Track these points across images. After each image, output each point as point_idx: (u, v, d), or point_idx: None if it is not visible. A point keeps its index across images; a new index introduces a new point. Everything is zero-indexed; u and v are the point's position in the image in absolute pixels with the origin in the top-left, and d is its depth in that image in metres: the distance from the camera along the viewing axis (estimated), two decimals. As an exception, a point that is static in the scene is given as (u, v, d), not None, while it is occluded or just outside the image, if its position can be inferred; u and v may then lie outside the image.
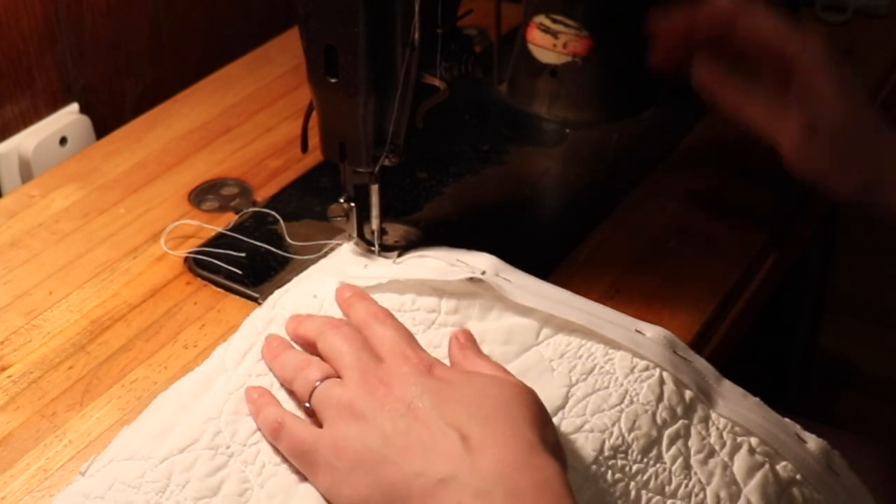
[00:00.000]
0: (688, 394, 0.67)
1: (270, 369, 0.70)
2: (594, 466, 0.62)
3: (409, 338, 0.68)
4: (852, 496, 0.67)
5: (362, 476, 0.60)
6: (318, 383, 0.65)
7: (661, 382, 0.67)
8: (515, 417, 0.60)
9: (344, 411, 0.63)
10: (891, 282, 1.97)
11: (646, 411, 0.66)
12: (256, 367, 0.69)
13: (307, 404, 0.65)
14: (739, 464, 0.65)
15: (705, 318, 0.80)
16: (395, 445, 0.59)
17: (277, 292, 0.76)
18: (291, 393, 0.68)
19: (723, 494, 0.64)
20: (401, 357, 0.66)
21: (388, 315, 0.71)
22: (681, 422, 0.66)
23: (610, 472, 0.63)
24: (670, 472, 0.64)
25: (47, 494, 0.66)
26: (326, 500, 0.62)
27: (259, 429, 0.66)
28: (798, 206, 0.93)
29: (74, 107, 1.04)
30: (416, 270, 0.73)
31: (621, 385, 0.67)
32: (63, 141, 1.02)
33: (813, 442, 0.67)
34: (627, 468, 0.63)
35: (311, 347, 0.70)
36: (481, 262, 0.75)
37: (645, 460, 0.64)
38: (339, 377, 0.66)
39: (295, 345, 0.71)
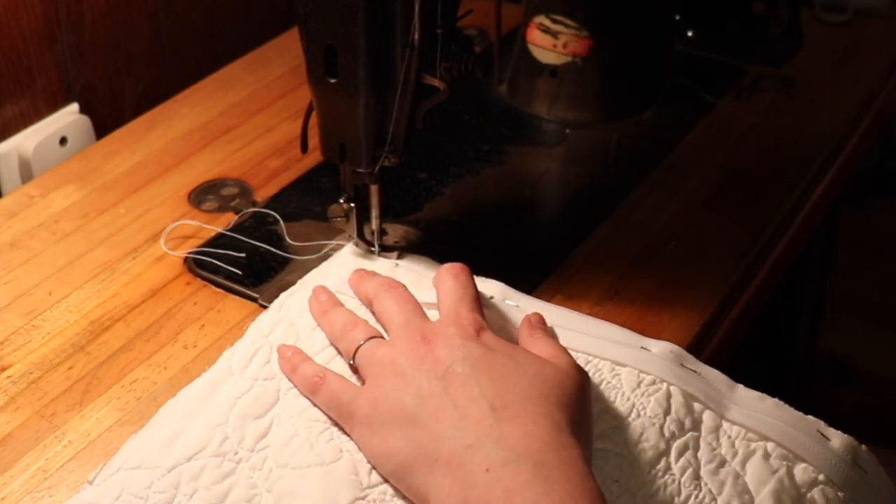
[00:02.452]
0: (696, 406, 0.67)
1: (318, 324, 0.72)
2: (600, 478, 0.62)
3: (470, 298, 0.69)
4: (880, 492, 0.67)
5: (394, 431, 0.61)
6: (362, 342, 0.67)
7: (668, 396, 0.67)
8: (548, 397, 0.60)
9: (386, 368, 0.64)
10: (891, 282, 1.96)
11: (653, 424, 0.65)
12: (263, 371, 0.69)
13: (351, 362, 0.68)
14: (752, 471, 0.64)
15: (705, 319, 0.80)
16: (428, 407, 0.61)
17: (283, 296, 0.76)
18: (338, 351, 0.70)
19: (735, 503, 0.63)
20: (453, 317, 0.67)
21: (461, 271, 0.72)
22: (689, 434, 0.65)
23: (616, 485, 0.63)
24: (679, 483, 0.63)
25: (47, 495, 0.66)
26: (360, 448, 0.63)
27: (294, 384, 0.68)
28: (798, 206, 0.93)
29: (74, 107, 1.04)
30: (423, 293, 0.73)
31: (628, 399, 0.67)
32: (63, 141, 1.02)
33: (837, 439, 0.66)
34: (634, 480, 0.63)
35: (367, 304, 0.73)
36: (489, 289, 0.75)
37: (653, 472, 0.63)
38: (382, 338, 0.68)
39: (339, 301, 0.74)
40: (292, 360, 0.69)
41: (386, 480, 0.62)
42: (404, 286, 0.72)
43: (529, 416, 0.59)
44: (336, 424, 0.66)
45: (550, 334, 0.70)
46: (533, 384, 0.61)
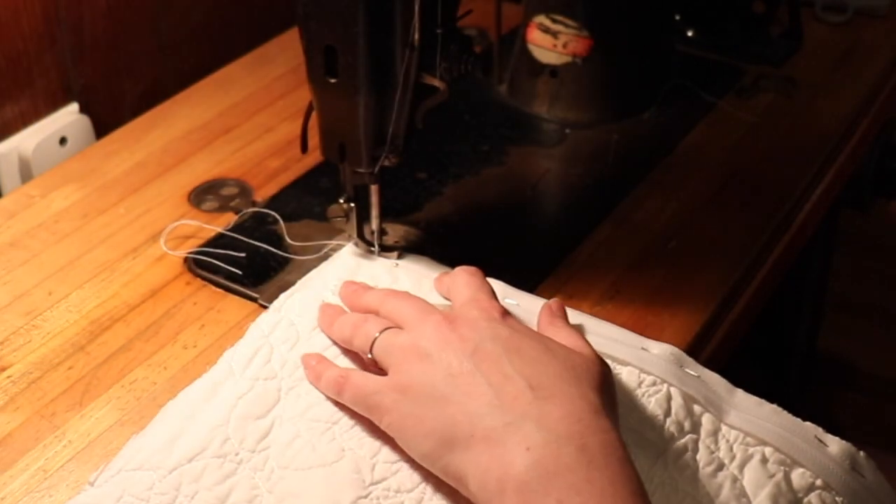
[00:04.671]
0: (696, 408, 0.67)
1: (328, 336, 0.71)
2: None
3: (488, 290, 0.68)
4: (880, 498, 0.67)
5: (426, 411, 0.60)
6: (378, 334, 0.65)
7: (669, 398, 0.67)
8: (581, 380, 0.59)
9: (409, 353, 0.63)
10: (891, 282, 1.97)
11: (653, 424, 0.65)
12: (264, 371, 0.69)
13: (369, 355, 0.66)
14: (750, 476, 0.64)
15: (705, 318, 0.80)
16: (460, 385, 0.59)
17: (282, 296, 0.76)
18: (350, 353, 0.69)
19: None
20: (473, 302, 0.66)
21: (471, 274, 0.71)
22: (689, 436, 0.65)
23: None
24: (678, 484, 0.63)
25: (47, 495, 0.66)
26: (393, 436, 0.62)
27: (322, 391, 0.67)
28: (798, 206, 0.93)
29: (74, 107, 1.04)
30: (423, 293, 0.73)
31: (629, 398, 0.67)
32: (63, 141, 1.02)
33: (835, 445, 0.66)
34: None
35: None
36: None
37: (651, 471, 0.63)
38: (398, 328, 0.66)
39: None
40: (317, 369, 0.68)
41: (426, 480, 0.62)
42: (408, 292, 0.71)
43: (567, 397, 0.58)
44: (338, 424, 0.65)
45: (570, 323, 0.69)
46: (565, 367, 0.60)
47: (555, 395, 0.58)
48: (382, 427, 0.63)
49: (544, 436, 0.56)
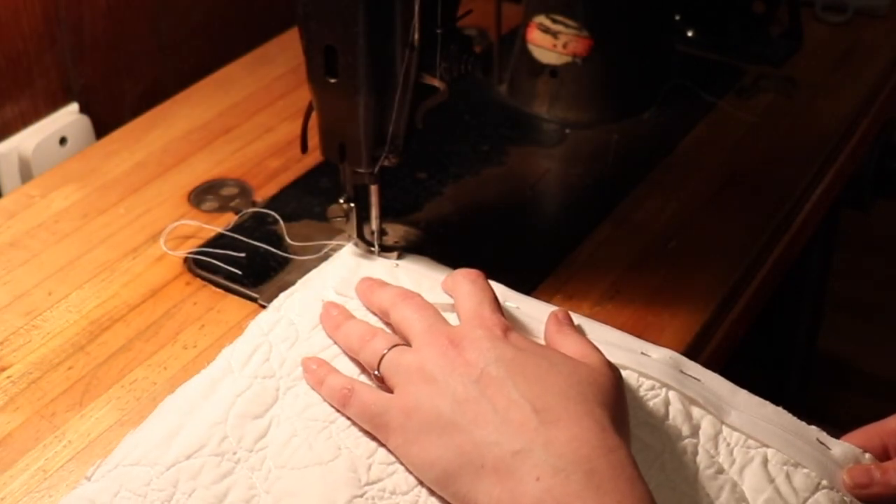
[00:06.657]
0: (695, 412, 0.66)
1: (332, 339, 0.71)
2: None
3: (490, 300, 0.68)
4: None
5: (433, 439, 0.60)
6: (385, 351, 0.66)
7: (667, 403, 0.67)
8: (587, 396, 0.60)
9: (415, 375, 0.63)
10: (891, 282, 1.97)
11: (652, 430, 0.65)
12: (262, 369, 0.69)
13: (376, 372, 0.66)
14: (750, 481, 0.64)
15: (706, 318, 0.79)
16: (467, 412, 0.60)
17: (282, 295, 0.76)
18: (356, 362, 0.69)
19: None
20: (477, 319, 0.66)
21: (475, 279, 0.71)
22: (688, 440, 0.65)
23: None
24: (677, 488, 0.63)
25: (47, 495, 0.66)
26: (396, 457, 0.63)
27: (323, 397, 0.67)
28: (798, 206, 0.93)
29: (74, 107, 1.04)
30: (424, 293, 0.73)
31: (628, 403, 0.66)
32: (63, 141, 1.02)
33: (837, 447, 0.66)
34: None
35: (382, 315, 0.72)
36: None
37: (649, 474, 0.63)
38: (405, 345, 0.66)
39: (353, 313, 0.73)
40: (318, 373, 0.68)
41: (421, 484, 0.62)
42: (420, 295, 0.71)
43: (573, 418, 0.58)
44: (335, 423, 0.66)
45: (578, 331, 0.69)
46: (570, 384, 0.60)
47: (560, 418, 0.58)
48: (389, 447, 0.63)
49: (553, 463, 0.56)
